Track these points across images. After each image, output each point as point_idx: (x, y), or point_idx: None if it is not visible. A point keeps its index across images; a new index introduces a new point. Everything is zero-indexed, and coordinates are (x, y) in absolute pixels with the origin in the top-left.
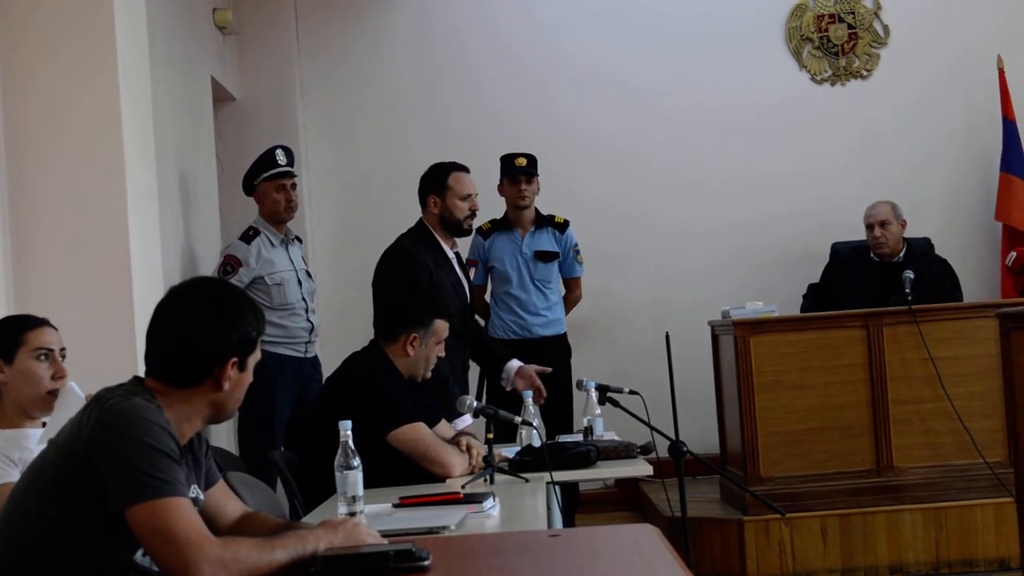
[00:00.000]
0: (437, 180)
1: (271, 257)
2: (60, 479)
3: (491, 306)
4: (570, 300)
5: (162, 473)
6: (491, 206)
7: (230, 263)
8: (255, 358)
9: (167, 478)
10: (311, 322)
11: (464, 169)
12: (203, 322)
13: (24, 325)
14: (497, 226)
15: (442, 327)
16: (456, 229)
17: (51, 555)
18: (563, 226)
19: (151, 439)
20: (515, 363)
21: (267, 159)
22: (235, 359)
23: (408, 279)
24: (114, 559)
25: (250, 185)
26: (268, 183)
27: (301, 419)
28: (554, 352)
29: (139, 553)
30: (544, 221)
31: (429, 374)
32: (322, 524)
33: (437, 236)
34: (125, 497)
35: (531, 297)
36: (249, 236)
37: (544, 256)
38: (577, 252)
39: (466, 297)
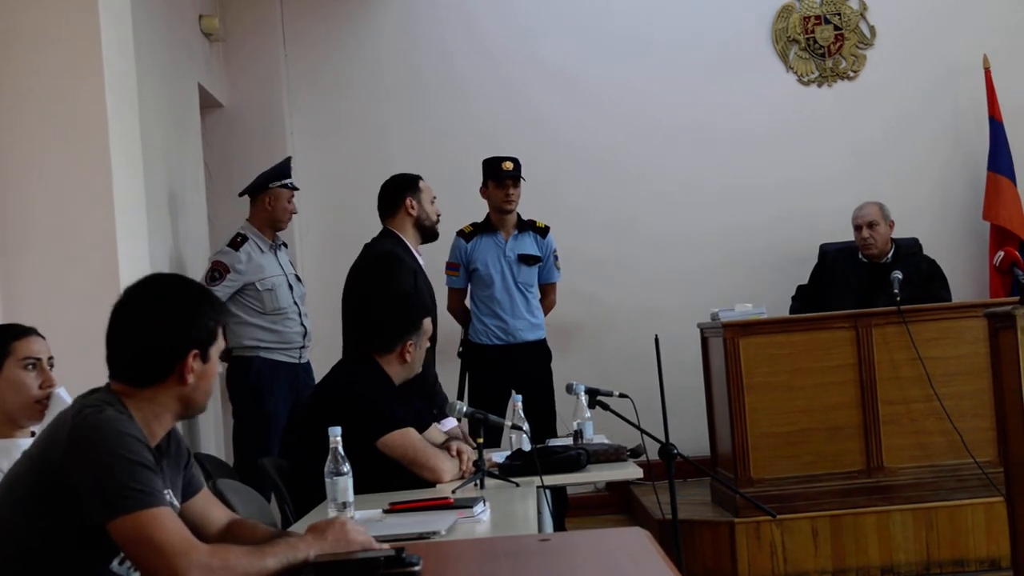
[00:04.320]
0: (411, 184)
1: (261, 262)
2: (35, 490)
3: (472, 311)
4: (545, 305)
5: (141, 484)
6: (475, 209)
7: (217, 269)
8: (218, 347)
9: (147, 489)
10: (304, 326)
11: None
12: (159, 319)
13: (11, 334)
14: (479, 229)
15: (428, 324)
16: (430, 232)
17: (28, 563)
18: (544, 231)
19: (126, 451)
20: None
21: (286, 168)
22: (196, 351)
23: (397, 281)
24: (91, 568)
25: (264, 187)
26: (283, 190)
27: (291, 426)
28: (537, 357)
29: (115, 562)
30: (526, 225)
31: (421, 368)
32: (310, 530)
33: (408, 243)
34: (106, 511)
35: (514, 301)
36: (237, 242)
37: (527, 260)
38: (556, 258)
39: (435, 306)
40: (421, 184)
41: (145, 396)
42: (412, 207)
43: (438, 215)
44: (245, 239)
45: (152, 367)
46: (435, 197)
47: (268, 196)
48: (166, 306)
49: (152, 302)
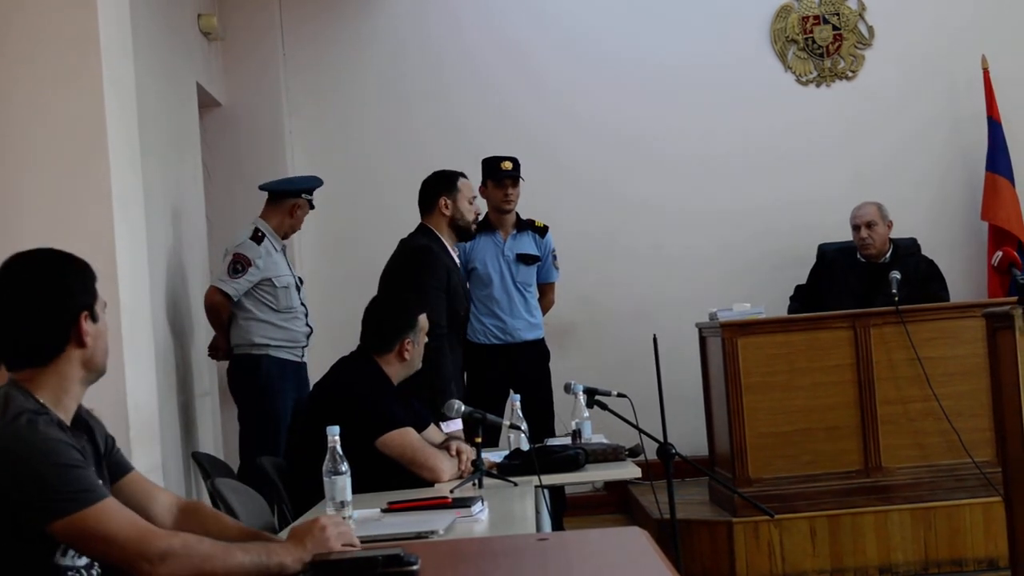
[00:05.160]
0: (448, 182)
1: (277, 260)
2: None
3: (471, 311)
4: (544, 305)
5: (78, 484)
6: None
7: (240, 262)
8: (101, 303)
9: (86, 487)
10: (310, 326)
11: (466, 176)
12: (42, 293)
13: None
14: (478, 228)
15: (424, 320)
16: (465, 232)
17: None
18: (543, 230)
19: (54, 457)
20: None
21: (316, 186)
22: (85, 312)
23: (432, 275)
24: (35, 565)
25: (297, 193)
26: (307, 204)
27: (291, 425)
28: (535, 356)
29: (58, 554)
30: (525, 225)
31: (420, 365)
32: (290, 536)
33: (444, 240)
34: (47, 516)
35: (512, 300)
36: (259, 237)
37: (526, 259)
38: (555, 257)
39: (469, 301)
40: (460, 183)
41: (50, 372)
42: (446, 207)
43: (477, 214)
44: (264, 235)
45: (49, 342)
46: (475, 197)
47: (296, 203)
48: (43, 279)
49: (28, 280)
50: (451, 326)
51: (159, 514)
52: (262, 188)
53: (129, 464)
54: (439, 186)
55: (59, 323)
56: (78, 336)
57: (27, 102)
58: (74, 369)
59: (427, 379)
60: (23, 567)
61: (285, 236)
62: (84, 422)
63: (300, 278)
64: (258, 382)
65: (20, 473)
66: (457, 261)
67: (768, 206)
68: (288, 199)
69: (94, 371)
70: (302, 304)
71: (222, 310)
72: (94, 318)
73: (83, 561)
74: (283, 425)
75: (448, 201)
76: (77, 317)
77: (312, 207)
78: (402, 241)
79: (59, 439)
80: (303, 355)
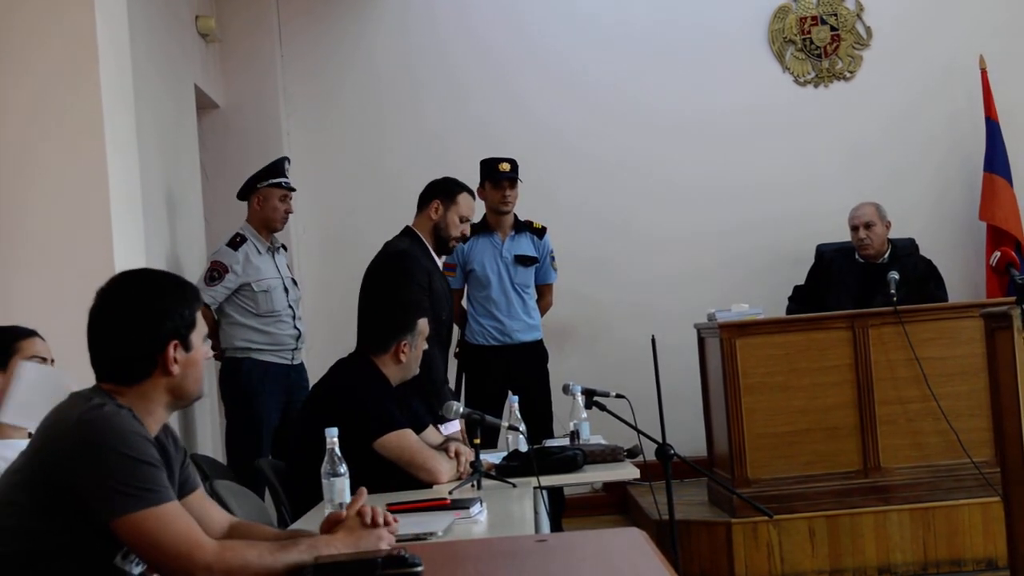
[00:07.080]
0: (449, 190)
1: (258, 264)
2: (39, 495)
3: (468, 312)
4: (542, 306)
5: (145, 482)
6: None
7: (216, 269)
8: (200, 333)
9: (152, 487)
10: (298, 329)
11: (474, 195)
12: (133, 317)
13: (16, 334)
14: (476, 230)
15: (425, 325)
16: (443, 244)
17: (37, 562)
18: (541, 232)
19: (129, 450)
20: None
21: (278, 167)
22: (175, 342)
23: (411, 279)
24: (95, 564)
25: (252, 187)
26: (273, 190)
27: (288, 426)
28: (533, 358)
29: (119, 556)
30: (523, 226)
31: (418, 369)
32: (343, 530)
33: (427, 243)
34: (110, 511)
35: (510, 301)
36: (236, 242)
37: (524, 260)
38: (553, 259)
39: (452, 306)
40: (460, 197)
41: (135, 392)
42: (436, 211)
43: (463, 234)
44: (244, 240)
45: (135, 365)
46: (468, 219)
47: (257, 196)
48: (137, 303)
49: (123, 301)
50: (434, 330)
51: (213, 534)
52: (238, 198)
53: (196, 481)
54: (439, 189)
55: (146, 350)
56: (164, 365)
57: (25, 103)
58: (160, 394)
59: (420, 383)
60: (82, 564)
61: (271, 230)
62: (160, 441)
63: (294, 279)
64: (240, 384)
65: (91, 461)
66: (440, 264)
67: (765, 207)
68: (250, 195)
69: (182, 398)
70: (290, 306)
71: (203, 318)
72: (186, 347)
73: (138, 570)
74: (265, 427)
75: (440, 207)
76: (165, 346)
77: (289, 189)
78: (386, 244)
79: (136, 432)
80: (293, 357)
